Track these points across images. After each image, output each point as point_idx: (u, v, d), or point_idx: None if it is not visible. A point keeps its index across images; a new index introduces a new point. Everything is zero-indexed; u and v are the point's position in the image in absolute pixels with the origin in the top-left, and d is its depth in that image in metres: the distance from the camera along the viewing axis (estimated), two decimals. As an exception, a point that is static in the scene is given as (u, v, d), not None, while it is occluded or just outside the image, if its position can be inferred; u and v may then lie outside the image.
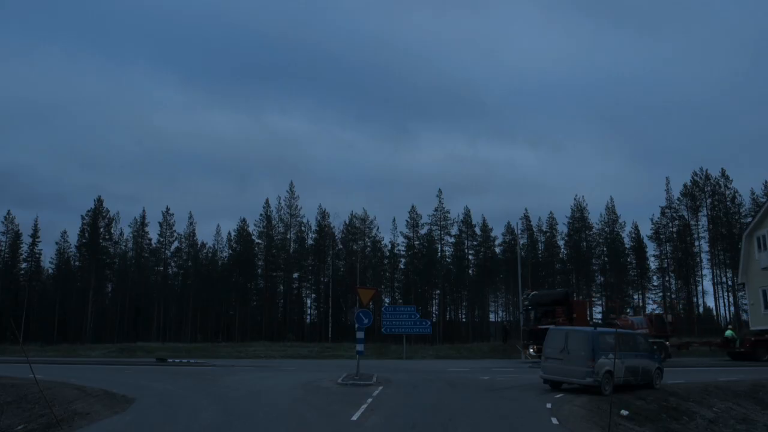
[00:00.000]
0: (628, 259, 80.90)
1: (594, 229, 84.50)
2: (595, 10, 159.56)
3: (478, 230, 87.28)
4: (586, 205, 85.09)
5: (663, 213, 77.22)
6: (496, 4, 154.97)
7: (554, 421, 12.75)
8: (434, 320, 74.49)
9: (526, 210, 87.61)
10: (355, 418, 12.56)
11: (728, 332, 35.65)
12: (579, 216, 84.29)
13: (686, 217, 75.98)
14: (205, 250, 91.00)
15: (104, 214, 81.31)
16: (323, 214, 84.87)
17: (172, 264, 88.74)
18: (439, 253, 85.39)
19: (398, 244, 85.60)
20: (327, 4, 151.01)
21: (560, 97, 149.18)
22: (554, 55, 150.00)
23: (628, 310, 66.19)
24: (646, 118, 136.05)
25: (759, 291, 38.23)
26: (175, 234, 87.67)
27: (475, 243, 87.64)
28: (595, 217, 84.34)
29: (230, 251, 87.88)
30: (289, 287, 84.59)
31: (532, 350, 31.86)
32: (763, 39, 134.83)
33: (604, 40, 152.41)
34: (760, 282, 38.07)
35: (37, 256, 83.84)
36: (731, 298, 70.90)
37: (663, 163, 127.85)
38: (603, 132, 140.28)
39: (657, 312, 35.28)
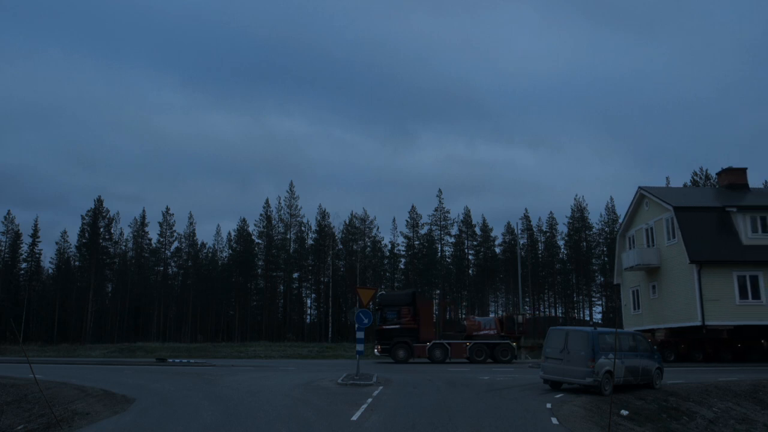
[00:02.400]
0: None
1: (594, 229, 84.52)
2: (594, 13, 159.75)
3: (478, 230, 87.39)
4: (586, 205, 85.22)
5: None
6: (494, 7, 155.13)
7: (554, 421, 12.74)
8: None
9: (526, 210, 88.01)
10: (355, 418, 12.56)
11: None
12: (579, 216, 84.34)
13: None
14: (205, 250, 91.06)
15: (104, 214, 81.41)
16: (323, 214, 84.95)
17: (172, 264, 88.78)
18: (439, 253, 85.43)
19: (398, 244, 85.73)
20: (327, 6, 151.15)
21: (559, 99, 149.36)
22: (553, 56, 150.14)
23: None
24: (645, 119, 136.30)
25: (629, 292, 38.32)
26: (175, 234, 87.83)
27: (475, 243, 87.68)
28: (595, 217, 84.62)
29: (230, 251, 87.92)
30: (289, 287, 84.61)
31: (376, 350, 33.26)
32: (760, 40, 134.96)
33: (602, 42, 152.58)
34: (630, 283, 38.11)
35: (37, 256, 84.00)
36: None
37: (662, 164, 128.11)
38: (602, 133, 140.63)
39: (518, 313, 36.05)
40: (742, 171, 37.53)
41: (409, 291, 37.02)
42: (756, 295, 30.17)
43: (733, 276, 30.31)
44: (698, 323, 30.02)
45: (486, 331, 32.71)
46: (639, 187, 36.73)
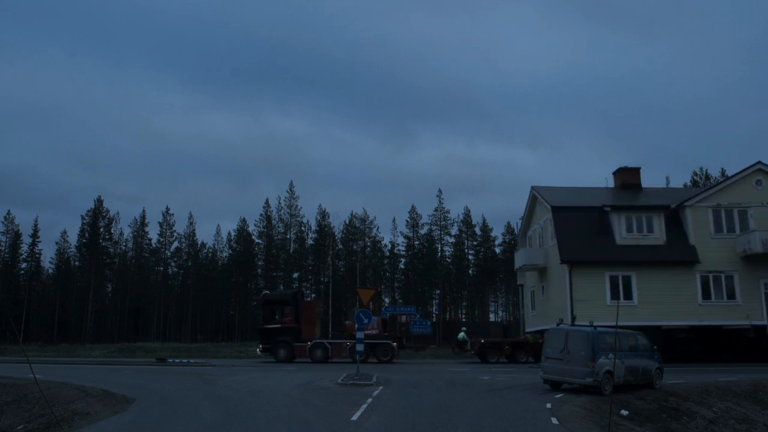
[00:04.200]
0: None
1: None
2: (594, 13, 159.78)
3: (478, 230, 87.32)
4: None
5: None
6: (494, 7, 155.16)
7: (554, 421, 12.75)
8: (434, 320, 74.49)
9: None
10: (355, 418, 12.56)
11: (461, 335, 36.54)
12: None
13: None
14: (205, 250, 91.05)
15: (104, 214, 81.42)
16: (323, 214, 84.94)
17: (172, 264, 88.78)
18: (439, 253, 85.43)
19: (398, 244, 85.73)
20: (327, 6, 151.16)
21: (559, 99, 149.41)
22: (553, 56, 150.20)
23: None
24: (645, 119, 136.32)
25: (529, 292, 38.16)
26: (175, 234, 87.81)
27: (475, 243, 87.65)
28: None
29: (230, 251, 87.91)
30: (289, 287, 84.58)
31: (258, 349, 33.65)
32: (760, 40, 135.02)
33: (602, 42, 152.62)
34: (529, 283, 37.98)
35: (37, 256, 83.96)
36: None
37: (662, 164, 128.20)
38: (602, 132, 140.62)
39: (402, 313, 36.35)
40: (636, 170, 37.20)
41: (291, 291, 37.26)
42: (628, 296, 29.90)
43: (605, 276, 29.99)
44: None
45: (368, 331, 32.85)
46: (531, 187, 36.30)
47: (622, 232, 30.73)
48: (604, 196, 34.63)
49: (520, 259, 35.78)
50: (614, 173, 37.93)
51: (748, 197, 31.17)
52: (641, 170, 37.58)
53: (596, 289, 29.77)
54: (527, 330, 38.08)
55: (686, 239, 30.77)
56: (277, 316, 32.69)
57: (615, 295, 29.74)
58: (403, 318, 35.16)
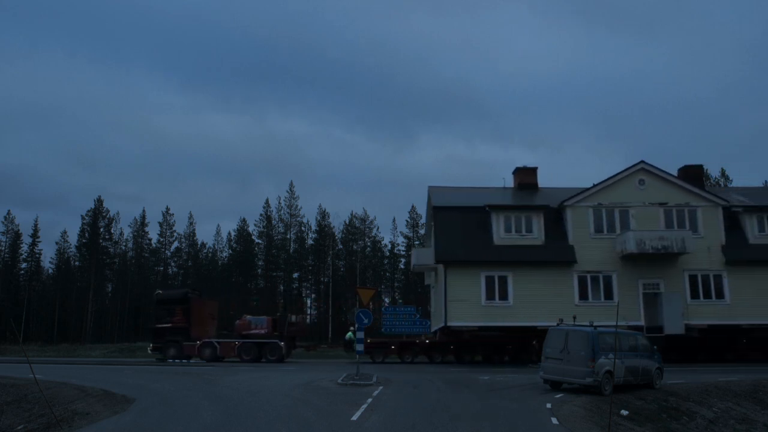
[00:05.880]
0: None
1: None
2: (593, 13, 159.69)
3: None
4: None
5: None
6: (494, 7, 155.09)
7: (554, 421, 12.75)
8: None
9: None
10: (355, 418, 12.57)
11: (348, 334, 36.62)
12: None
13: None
14: (205, 250, 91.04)
15: (104, 214, 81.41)
16: (323, 214, 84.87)
17: (172, 264, 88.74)
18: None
19: (398, 244, 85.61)
20: (327, 7, 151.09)
21: (559, 99, 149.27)
22: (552, 57, 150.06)
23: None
24: (645, 119, 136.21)
25: (432, 292, 37.42)
26: (175, 234, 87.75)
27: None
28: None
29: (230, 251, 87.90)
30: (289, 287, 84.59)
31: (149, 348, 34.08)
32: (760, 40, 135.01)
33: (602, 42, 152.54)
34: (431, 283, 37.16)
35: (37, 256, 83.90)
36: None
37: (662, 164, 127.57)
38: (602, 133, 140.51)
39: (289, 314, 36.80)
40: (533, 170, 36.84)
41: (182, 290, 37.46)
42: (503, 296, 29.40)
43: (481, 276, 29.47)
44: (444, 325, 29.46)
45: (257, 330, 33.04)
46: (428, 187, 35.81)
47: (500, 232, 30.20)
48: (500, 196, 33.95)
49: (413, 258, 35.67)
50: (513, 173, 37.56)
51: (631, 197, 30.75)
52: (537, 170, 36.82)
53: (472, 290, 29.22)
54: (433, 329, 37.01)
55: (566, 239, 30.29)
56: (168, 316, 33.32)
57: (490, 296, 29.31)
58: (293, 318, 35.37)
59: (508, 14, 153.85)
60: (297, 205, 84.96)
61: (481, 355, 31.55)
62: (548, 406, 14.63)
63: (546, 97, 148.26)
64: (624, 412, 14.35)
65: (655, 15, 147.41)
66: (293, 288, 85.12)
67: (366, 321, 20.94)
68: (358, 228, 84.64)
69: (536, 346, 31.60)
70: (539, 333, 29.91)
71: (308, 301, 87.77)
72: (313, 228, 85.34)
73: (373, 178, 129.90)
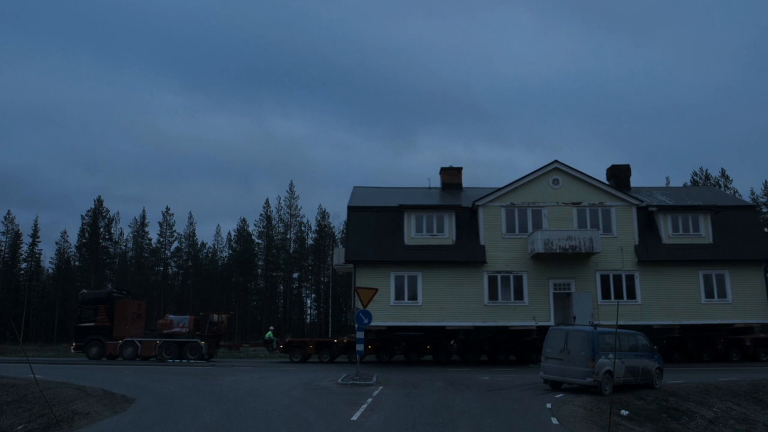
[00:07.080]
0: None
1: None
2: (590, 16, 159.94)
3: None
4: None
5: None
6: (492, 10, 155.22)
7: (554, 421, 12.75)
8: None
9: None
10: (355, 418, 12.57)
11: (268, 334, 37.25)
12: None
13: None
14: (205, 250, 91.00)
15: (104, 214, 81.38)
16: (323, 214, 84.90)
17: (172, 264, 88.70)
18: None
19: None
20: (327, 9, 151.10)
21: (556, 101, 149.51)
22: (550, 59, 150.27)
23: None
24: (642, 121, 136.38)
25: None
26: (175, 234, 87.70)
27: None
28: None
29: (230, 251, 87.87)
30: (289, 287, 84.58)
31: (72, 348, 34.39)
32: (756, 43, 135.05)
33: (599, 45, 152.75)
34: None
35: (37, 256, 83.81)
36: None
37: (661, 165, 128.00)
38: (599, 134, 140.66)
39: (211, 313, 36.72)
40: (458, 170, 36.86)
41: (105, 290, 37.54)
42: (413, 296, 29.35)
43: (390, 276, 29.42)
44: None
45: (178, 329, 33.34)
46: (354, 187, 35.79)
47: (411, 231, 30.07)
48: (421, 196, 33.81)
49: (335, 258, 35.83)
50: (440, 173, 37.57)
51: (544, 197, 30.63)
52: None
53: (380, 290, 28.91)
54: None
55: (478, 239, 30.16)
56: (91, 315, 33.66)
57: (399, 296, 29.27)
58: (216, 317, 35.48)
59: (506, 17, 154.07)
60: (297, 205, 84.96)
61: (403, 354, 31.71)
62: (548, 406, 14.63)
63: (544, 98, 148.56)
64: (624, 412, 14.35)
65: (652, 18, 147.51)
66: (293, 288, 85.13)
67: (366, 321, 20.93)
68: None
69: (454, 346, 31.93)
70: (449, 333, 30.29)
71: (308, 301, 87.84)
72: (313, 228, 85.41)
73: (373, 179, 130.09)
